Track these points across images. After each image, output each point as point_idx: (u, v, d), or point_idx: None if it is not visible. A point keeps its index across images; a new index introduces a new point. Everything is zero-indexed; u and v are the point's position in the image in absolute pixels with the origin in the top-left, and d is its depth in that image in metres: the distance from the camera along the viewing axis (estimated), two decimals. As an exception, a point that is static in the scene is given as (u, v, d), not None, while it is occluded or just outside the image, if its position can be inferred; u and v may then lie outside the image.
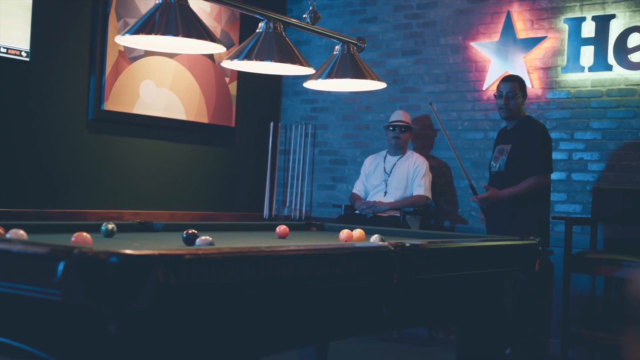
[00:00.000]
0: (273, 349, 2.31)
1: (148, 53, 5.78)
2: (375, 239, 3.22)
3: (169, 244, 2.75)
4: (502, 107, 5.10)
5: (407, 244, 2.74)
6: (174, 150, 6.17)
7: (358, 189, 6.20)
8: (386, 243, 2.70)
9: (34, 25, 5.09)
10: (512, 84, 5.10)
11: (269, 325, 2.24)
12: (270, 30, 3.33)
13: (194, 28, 2.92)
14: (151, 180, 6.00)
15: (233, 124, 6.63)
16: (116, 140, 5.74)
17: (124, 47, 5.60)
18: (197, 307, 2.00)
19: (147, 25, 2.89)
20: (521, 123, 5.11)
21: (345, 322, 2.56)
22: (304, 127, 6.97)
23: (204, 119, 6.33)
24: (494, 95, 5.20)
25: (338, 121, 6.85)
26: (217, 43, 3.02)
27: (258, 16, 3.34)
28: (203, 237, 2.63)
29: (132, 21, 5.64)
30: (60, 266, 1.81)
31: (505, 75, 5.40)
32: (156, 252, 1.87)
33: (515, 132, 5.11)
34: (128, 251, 1.82)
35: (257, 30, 3.37)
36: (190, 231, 2.75)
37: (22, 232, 2.35)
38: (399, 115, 6.06)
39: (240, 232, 3.64)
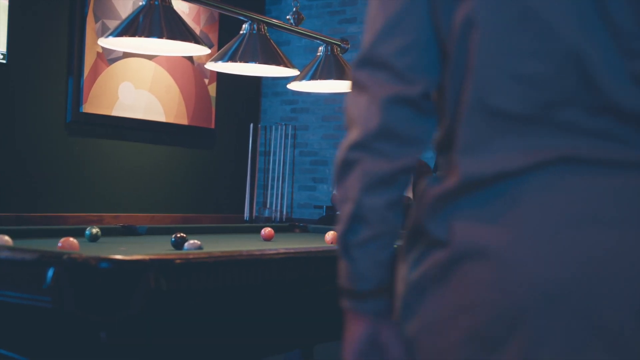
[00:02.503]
0: (261, 353, 2.30)
1: (127, 55, 5.73)
2: None
3: (156, 248, 2.72)
4: None
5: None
6: (153, 152, 6.13)
7: (339, 190, 6.19)
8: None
9: (11, 27, 5.03)
10: None
11: (259, 329, 2.23)
12: (254, 32, 3.31)
13: (178, 30, 2.90)
14: (131, 182, 5.95)
15: (213, 126, 6.59)
16: (95, 142, 5.68)
17: (102, 48, 5.55)
18: (188, 312, 1.98)
19: (130, 27, 2.86)
20: None
21: (333, 324, 2.55)
22: (283, 128, 6.95)
23: (183, 120, 6.29)
24: None
25: (318, 122, 6.84)
26: (201, 45, 3.01)
27: (242, 17, 3.32)
28: (192, 241, 2.61)
29: (110, 22, 5.60)
30: (50, 272, 1.79)
31: None
32: (147, 257, 1.85)
33: None
34: (118, 256, 1.81)
35: (241, 32, 3.36)
36: (179, 235, 2.73)
37: (7, 237, 2.32)
38: None
39: (225, 235, 3.61)
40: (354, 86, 1.19)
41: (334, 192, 5.73)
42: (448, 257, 1.09)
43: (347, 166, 1.18)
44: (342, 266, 1.23)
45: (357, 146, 1.17)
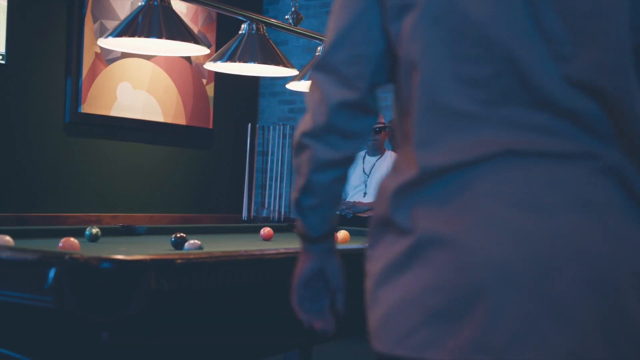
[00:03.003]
0: (261, 353, 2.30)
1: (125, 55, 5.74)
2: None
3: (157, 248, 2.73)
4: None
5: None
6: (151, 152, 6.13)
7: (337, 189, 6.20)
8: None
9: (10, 28, 5.03)
10: None
11: (258, 329, 2.24)
12: (253, 32, 3.32)
13: (178, 30, 2.90)
14: (129, 182, 5.96)
15: (211, 126, 6.60)
16: (94, 143, 5.69)
17: (101, 49, 5.55)
18: (189, 312, 1.99)
19: (130, 28, 2.87)
20: None
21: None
22: (281, 128, 6.96)
23: (181, 120, 6.30)
24: None
25: (316, 122, 6.84)
26: (200, 45, 3.01)
27: (241, 17, 3.33)
28: (192, 241, 2.61)
29: (108, 23, 5.60)
30: (51, 273, 1.79)
31: None
32: (148, 257, 1.86)
33: None
34: (120, 257, 1.81)
35: (240, 32, 3.36)
36: (179, 235, 2.73)
37: (8, 238, 2.33)
38: None
39: (224, 235, 3.62)
40: (311, 84, 1.40)
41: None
42: (412, 244, 1.19)
43: (300, 148, 1.42)
44: (298, 220, 1.52)
45: (308, 134, 1.39)
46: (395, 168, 1.31)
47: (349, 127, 1.37)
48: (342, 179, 1.49)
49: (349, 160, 1.45)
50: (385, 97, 5.89)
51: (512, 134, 1.16)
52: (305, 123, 1.40)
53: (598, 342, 1.11)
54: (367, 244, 1.32)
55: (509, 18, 1.16)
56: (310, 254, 1.57)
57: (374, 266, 1.26)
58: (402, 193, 1.24)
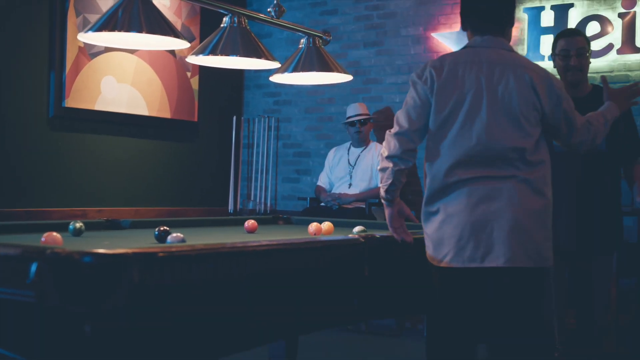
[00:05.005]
0: (246, 345, 2.31)
1: (108, 49, 5.72)
2: (357, 229, 3.38)
3: (140, 242, 2.73)
4: (571, 68, 3.79)
5: (377, 236, 2.77)
6: (136, 146, 6.13)
7: (323, 181, 6.21)
8: (357, 236, 2.72)
9: (-8, 23, 5.02)
10: (580, 39, 3.84)
11: (242, 320, 2.25)
12: (235, 25, 3.32)
13: (158, 24, 2.90)
14: (114, 176, 5.95)
15: (196, 119, 6.60)
16: (78, 137, 5.68)
17: (84, 43, 5.54)
18: (172, 305, 1.99)
19: (110, 22, 2.87)
20: (596, 91, 3.70)
21: (320, 314, 2.57)
22: (266, 120, 6.96)
23: (166, 114, 6.29)
24: (554, 56, 3.93)
25: (301, 114, 6.86)
26: (181, 39, 3.01)
27: (222, 11, 3.33)
28: (174, 235, 2.62)
29: (91, 17, 5.59)
30: (33, 267, 1.80)
31: (561, 32, 4.02)
32: (130, 250, 1.86)
33: (594, 101, 3.44)
34: (101, 250, 1.82)
35: (222, 25, 3.36)
36: (162, 228, 2.74)
37: (-10, 233, 2.33)
38: (355, 109, 6.05)
39: (209, 228, 3.63)
40: (393, 134, 2.78)
41: (318, 183, 5.71)
42: (441, 218, 2.75)
43: (385, 168, 2.80)
44: (381, 193, 2.86)
45: (389, 158, 2.78)
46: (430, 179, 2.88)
47: (410, 157, 2.81)
48: (404, 180, 2.86)
49: (408, 171, 2.84)
50: (370, 89, 5.84)
51: (479, 168, 2.77)
52: (387, 152, 2.80)
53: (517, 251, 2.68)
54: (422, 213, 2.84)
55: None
56: (390, 207, 2.84)
57: (427, 226, 2.81)
58: (434, 194, 2.82)
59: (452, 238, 2.68)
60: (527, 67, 2.73)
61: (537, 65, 2.81)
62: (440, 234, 2.71)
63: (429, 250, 2.77)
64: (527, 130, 2.68)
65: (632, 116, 3.77)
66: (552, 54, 3.92)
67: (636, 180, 3.62)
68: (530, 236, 2.66)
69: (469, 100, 2.67)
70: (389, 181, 2.76)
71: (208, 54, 3.30)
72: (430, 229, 2.76)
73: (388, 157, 2.75)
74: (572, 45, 3.78)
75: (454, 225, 2.68)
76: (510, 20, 2.88)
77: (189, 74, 6.48)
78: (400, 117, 2.76)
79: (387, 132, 2.80)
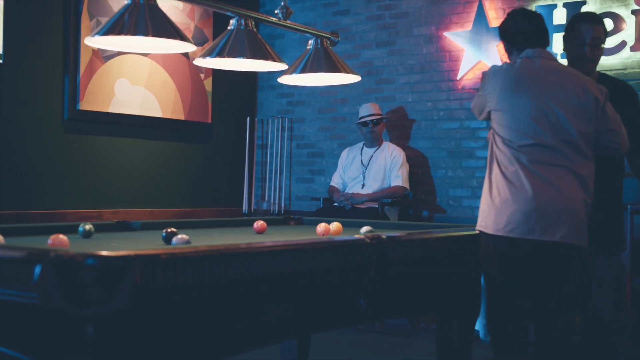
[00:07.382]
0: (254, 344, 2.33)
1: (122, 52, 5.76)
2: (365, 230, 3.37)
3: (148, 244, 2.75)
4: (584, 59, 3.59)
5: (384, 237, 2.77)
6: (151, 148, 6.17)
7: (336, 181, 6.22)
8: (363, 236, 2.73)
9: (6, 27, 5.07)
10: (599, 29, 3.59)
11: (250, 320, 2.26)
12: (242, 27, 3.34)
13: (164, 27, 2.92)
14: (129, 178, 5.99)
15: (209, 120, 6.63)
16: (93, 139, 5.72)
17: (98, 46, 5.58)
18: (176, 306, 2.01)
19: (116, 26, 2.89)
20: (602, 80, 3.64)
21: (324, 315, 2.58)
22: (280, 121, 6.98)
23: (180, 115, 6.33)
24: (567, 37, 3.67)
25: (314, 114, 6.87)
26: (187, 42, 3.03)
27: (229, 13, 3.35)
28: (179, 236, 2.63)
29: (105, 20, 5.63)
30: (37, 269, 1.82)
31: (582, 14, 3.81)
32: (132, 252, 1.88)
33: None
34: (104, 252, 1.84)
35: (229, 28, 3.38)
36: (169, 230, 2.76)
37: (-2, 236, 2.35)
38: (368, 109, 6.05)
39: (218, 229, 3.65)
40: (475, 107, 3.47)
41: (332, 183, 5.74)
42: (507, 193, 3.25)
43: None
44: None
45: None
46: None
47: None
48: None
49: None
50: (382, 89, 5.86)
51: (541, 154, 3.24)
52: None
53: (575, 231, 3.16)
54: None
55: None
56: None
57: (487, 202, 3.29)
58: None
59: (517, 212, 3.16)
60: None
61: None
62: (503, 206, 3.19)
63: (489, 219, 3.25)
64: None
65: (638, 105, 3.71)
66: (565, 34, 3.67)
67: None
68: (581, 220, 3.17)
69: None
70: None
71: (215, 56, 3.32)
72: (494, 200, 3.24)
73: None
74: (591, 33, 3.54)
75: (521, 201, 3.16)
76: (548, 39, 3.40)
77: (202, 75, 6.51)
78: None
79: None
